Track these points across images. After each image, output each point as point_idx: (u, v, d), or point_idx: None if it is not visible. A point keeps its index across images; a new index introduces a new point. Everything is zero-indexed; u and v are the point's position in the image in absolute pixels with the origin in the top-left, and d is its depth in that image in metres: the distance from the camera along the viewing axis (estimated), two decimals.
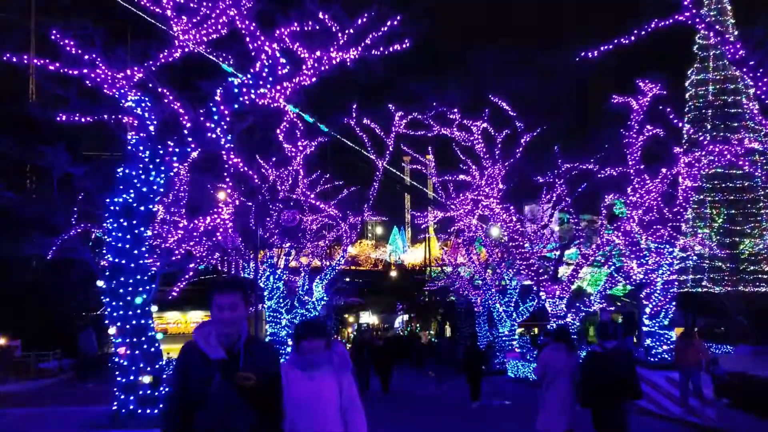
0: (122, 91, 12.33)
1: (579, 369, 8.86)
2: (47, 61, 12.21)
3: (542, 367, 9.17)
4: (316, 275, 28.72)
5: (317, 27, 12.54)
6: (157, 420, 11.64)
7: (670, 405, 16.23)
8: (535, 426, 9.17)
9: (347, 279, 42.20)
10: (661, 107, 21.26)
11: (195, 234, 20.98)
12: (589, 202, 27.34)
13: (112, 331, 12.12)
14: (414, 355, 37.48)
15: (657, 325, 22.07)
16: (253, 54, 12.21)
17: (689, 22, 12.21)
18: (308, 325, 4.89)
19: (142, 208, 12.22)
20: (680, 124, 23.09)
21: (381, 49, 12.74)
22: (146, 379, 11.83)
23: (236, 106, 12.30)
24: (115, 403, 11.90)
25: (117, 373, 11.97)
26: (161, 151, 12.26)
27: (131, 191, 12.14)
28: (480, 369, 18.95)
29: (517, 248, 25.06)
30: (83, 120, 13.09)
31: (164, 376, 12.22)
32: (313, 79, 12.63)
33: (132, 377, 11.81)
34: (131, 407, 11.71)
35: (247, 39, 12.08)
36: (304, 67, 12.46)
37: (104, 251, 12.85)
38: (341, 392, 4.73)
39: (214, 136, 12.29)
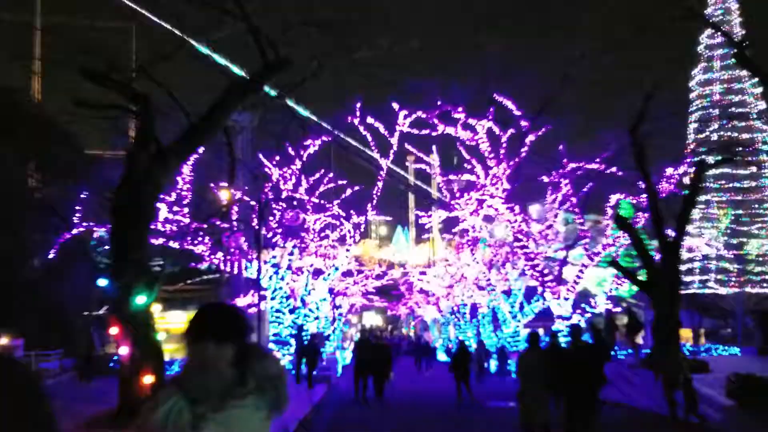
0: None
1: (553, 365, 9.96)
2: (51, 60, 12.12)
3: (519, 367, 10.35)
4: (319, 275, 28.64)
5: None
6: None
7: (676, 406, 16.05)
8: (516, 419, 10.19)
9: (351, 279, 42.06)
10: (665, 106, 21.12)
11: (198, 233, 20.92)
12: (595, 202, 27.21)
13: (113, 330, 12.04)
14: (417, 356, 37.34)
15: None
16: (258, 52, 12.11)
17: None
18: (206, 314, 2.73)
19: (145, 206, 12.14)
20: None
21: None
22: (148, 379, 11.74)
23: (241, 104, 12.21)
24: (117, 403, 11.82)
25: (119, 372, 11.88)
26: (166, 150, 12.18)
27: (135, 190, 12.06)
28: (467, 369, 20.18)
29: (522, 248, 24.93)
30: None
31: (166, 375, 12.14)
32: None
33: (134, 377, 11.72)
34: (133, 407, 11.62)
35: (253, 38, 11.97)
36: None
37: (107, 250, 12.79)
38: None
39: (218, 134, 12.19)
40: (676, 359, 15.00)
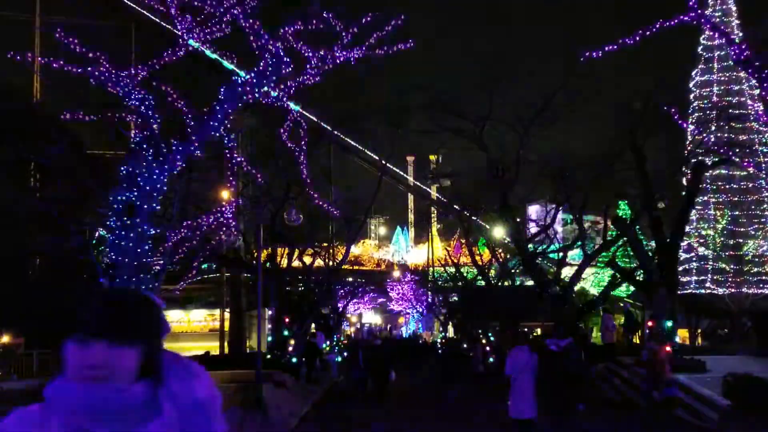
0: (126, 89, 12.33)
1: (539, 363, 10.62)
2: (51, 59, 12.21)
3: (509, 365, 10.89)
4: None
5: (321, 26, 12.52)
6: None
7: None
8: (507, 414, 10.81)
9: (350, 279, 42.17)
10: (665, 108, 21.24)
11: (198, 232, 20.95)
12: (593, 203, 27.32)
13: None
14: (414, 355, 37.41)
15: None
16: (257, 53, 12.20)
17: (694, 22, 12.21)
18: (96, 302, 1.89)
19: (145, 206, 12.21)
20: (684, 125, 23.02)
21: (385, 48, 12.73)
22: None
23: (240, 105, 12.29)
24: None
25: None
26: (165, 149, 12.25)
27: (134, 189, 12.13)
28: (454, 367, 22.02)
29: (521, 249, 25.04)
30: (87, 118, 13.10)
31: None
32: (317, 79, 12.61)
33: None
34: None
35: (251, 38, 12.06)
36: (308, 66, 12.44)
37: (107, 249, 12.85)
38: None
39: (217, 135, 12.27)
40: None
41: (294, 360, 25.05)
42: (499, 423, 12.93)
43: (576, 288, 25.45)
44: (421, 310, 55.47)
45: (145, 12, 34.40)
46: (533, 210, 36.51)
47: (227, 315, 36.33)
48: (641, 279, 22.93)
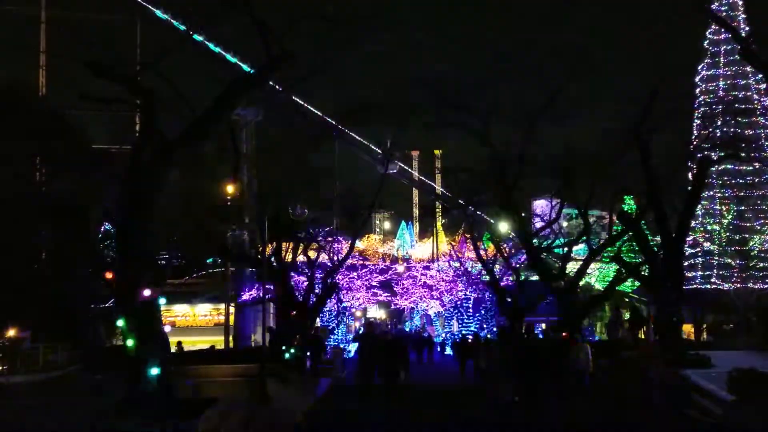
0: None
1: (514, 354, 13.17)
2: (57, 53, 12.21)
3: (487, 354, 13.76)
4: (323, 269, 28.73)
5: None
6: (163, 411, 11.68)
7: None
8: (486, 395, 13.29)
9: (355, 274, 42.08)
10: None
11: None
12: (599, 198, 27.20)
13: (120, 323, 12.14)
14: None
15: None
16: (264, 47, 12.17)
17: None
18: None
19: (150, 200, 12.23)
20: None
21: None
22: (153, 371, 11.85)
23: (244, 98, 12.29)
24: (123, 395, 11.93)
25: (125, 365, 11.99)
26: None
27: (139, 184, 12.15)
28: (404, 357, 21.64)
29: (525, 244, 24.99)
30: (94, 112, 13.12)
31: (171, 368, 12.25)
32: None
33: (139, 369, 11.83)
34: (138, 399, 11.74)
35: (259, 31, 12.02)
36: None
37: (113, 243, 12.90)
38: None
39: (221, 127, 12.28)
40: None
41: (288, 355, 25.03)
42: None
43: (581, 283, 25.39)
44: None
45: (150, 6, 34.46)
46: (538, 205, 36.43)
47: (232, 309, 36.36)
48: (646, 274, 22.85)
